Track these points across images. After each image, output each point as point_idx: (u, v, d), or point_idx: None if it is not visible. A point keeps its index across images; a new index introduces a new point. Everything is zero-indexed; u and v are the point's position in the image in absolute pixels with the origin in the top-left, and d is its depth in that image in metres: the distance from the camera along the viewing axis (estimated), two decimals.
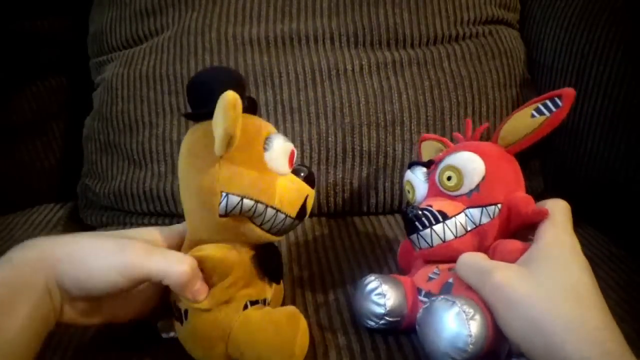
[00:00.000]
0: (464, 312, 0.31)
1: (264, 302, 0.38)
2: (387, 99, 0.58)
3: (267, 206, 0.35)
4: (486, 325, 0.32)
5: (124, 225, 0.61)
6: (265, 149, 0.35)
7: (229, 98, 0.31)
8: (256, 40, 0.60)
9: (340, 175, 0.59)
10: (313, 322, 0.41)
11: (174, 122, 0.59)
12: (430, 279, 0.39)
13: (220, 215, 0.34)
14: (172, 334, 0.39)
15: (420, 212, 0.38)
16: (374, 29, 0.60)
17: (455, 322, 0.31)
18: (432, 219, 0.38)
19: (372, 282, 0.38)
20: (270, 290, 0.39)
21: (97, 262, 0.32)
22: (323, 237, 0.55)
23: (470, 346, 0.31)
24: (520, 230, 0.38)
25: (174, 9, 0.62)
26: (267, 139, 0.36)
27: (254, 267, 0.37)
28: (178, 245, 0.38)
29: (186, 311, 0.35)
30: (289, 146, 0.37)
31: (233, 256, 0.35)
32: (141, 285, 0.35)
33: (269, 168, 0.35)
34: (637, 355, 0.28)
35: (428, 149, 0.50)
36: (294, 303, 0.44)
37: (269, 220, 0.35)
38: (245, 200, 0.34)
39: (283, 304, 0.43)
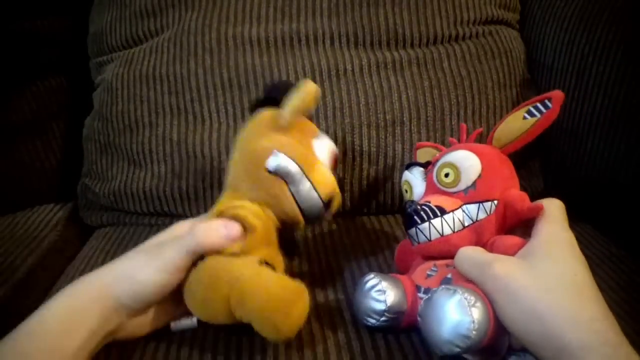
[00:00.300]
0: (466, 299, 0.32)
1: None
2: (387, 99, 0.58)
3: (306, 177, 0.40)
4: (488, 313, 0.32)
5: (123, 225, 0.61)
6: (316, 137, 0.43)
7: (311, 84, 0.41)
8: (256, 40, 0.60)
9: (340, 175, 0.59)
10: (313, 321, 0.41)
11: (174, 122, 0.59)
12: (428, 275, 0.39)
13: (268, 171, 0.40)
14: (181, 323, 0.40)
15: (419, 207, 0.39)
16: (374, 29, 0.60)
17: (458, 310, 0.31)
18: (430, 213, 0.39)
19: (372, 280, 0.39)
20: (281, 264, 0.42)
21: (143, 271, 0.36)
22: (323, 236, 0.55)
23: (474, 332, 0.31)
24: (516, 227, 0.39)
25: (174, 9, 0.62)
26: (320, 134, 0.44)
27: (275, 236, 0.41)
28: None
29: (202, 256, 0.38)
30: (334, 147, 0.45)
31: (263, 214, 0.40)
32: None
33: (314, 153, 0.43)
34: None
35: (423, 156, 0.51)
36: None
37: (302, 191, 0.40)
38: (291, 163, 0.39)
39: None
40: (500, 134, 0.41)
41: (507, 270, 0.33)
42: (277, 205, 0.41)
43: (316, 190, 0.40)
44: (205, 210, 0.58)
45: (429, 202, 0.40)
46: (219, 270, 0.37)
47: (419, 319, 0.35)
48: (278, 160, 0.39)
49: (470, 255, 0.36)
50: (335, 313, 0.43)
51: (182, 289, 0.38)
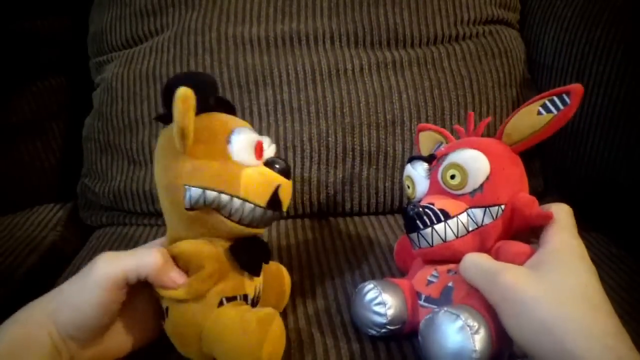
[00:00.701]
0: (469, 326, 0.31)
1: (245, 298, 0.37)
2: (387, 99, 0.58)
3: (232, 196, 0.35)
4: (490, 339, 0.31)
5: (123, 225, 0.61)
6: (228, 142, 0.36)
7: (179, 93, 0.32)
8: (256, 40, 0.60)
9: (340, 175, 0.59)
10: (313, 322, 0.41)
11: None
12: (429, 282, 0.38)
13: (187, 209, 0.35)
14: None
15: (421, 210, 0.37)
16: (374, 29, 0.60)
17: (460, 337, 0.31)
18: (433, 217, 0.37)
19: (372, 291, 0.38)
20: (252, 285, 0.38)
21: (78, 293, 0.33)
22: (323, 237, 0.55)
23: (475, 355, 0.31)
24: (521, 231, 0.38)
25: (174, 9, 0.62)
26: (231, 132, 0.36)
27: (231, 260, 0.36)
28: None
29: (167, 308, 0.36)
30: (254, 137, 0.37)
31: (207, 249, 0.35)
32: (139, 308, 0.36)
33: (234, 160, 0.36)
34: None
35: (426, 140, 0.48)
36: (293, 303, 0.44)
37: (237, 211, 0.35)
38: (208, 192, 0.34)
39: None
40: (512, 130, 0.38)
41: (516, 281, 0.32)
42: (221, 232, 0.36)
43: (251, 202, 0.35)
44: None
45: (433, 205, 0.37)
46: (183, 325, 0.35)
47: (419, 339, 0.34)
48: (192, 196, 0.34)
49: (477, 262, 0.35)
50: (335, 315, 0.42)
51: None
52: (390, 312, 0.37)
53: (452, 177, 0.38)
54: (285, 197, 0.38)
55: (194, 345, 0.35)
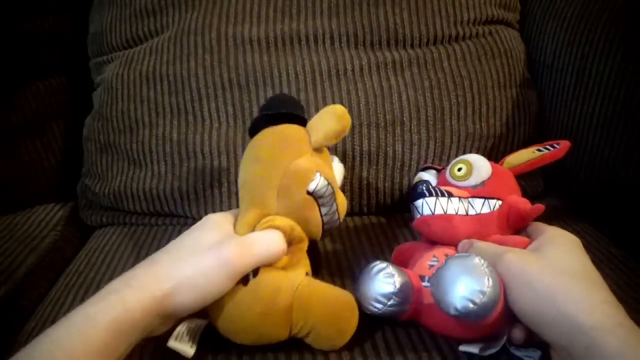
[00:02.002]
0: (480, 261, 0.33)
1: None
2: (387, 99, 0.58)
3: (335, 200, 0.41)
4: (499, 280, 0.33)
5: (124, 225, 0.61)
6: (332, 159, 0.46)
7: (342, 109, 0.42)
8: (256, 40, 0.60)
9: None
10: None
11: (174, 122, 0.59)
12: (430, 266, 0.40)
13: (308, 193, 0.40)
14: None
15: (430, 185, 0.42)
16: (374, 29, 0.60)
17: (473, 268, 0.32)
18: (439, 192, 0.42)
19: (380, 264, 0.39)
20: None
21: (203, 278, 0.35)
22: (323, 237, 0.55)
23: (488, 289, 0.31)
24: (517, 231, 0.42)
25: (174, 9, 0.62)
26: (332, 156, 0.47)
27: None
28: None
29: (256, 270, 0.37)
30: (343, 168, 0.49)
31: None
32: None
33: (334, 170, 0.45)
34: None
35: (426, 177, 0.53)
36: None
37: (331, 212, 0.41)
38: (329, 186, 0.40)
39: None
40: (511, 159, 0.47)
41: (520, 257, 0.35)
42: (303, 223, 0.41)
43: (338, 213, 0.42)
44: (205, 211, 0.58)
45: (439, 187, 0.43)
46: (278, 279, 0.37)
47: (431, 285, 0.35)
48: (320, 182, 0.40)
49: (483, 246, 0.38)
50: None
51: (216, 313, 0.37)
52: (398, 282, 0.38)
53: (459, 169, 0.45)
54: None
55: (284, 299, 0.37)
